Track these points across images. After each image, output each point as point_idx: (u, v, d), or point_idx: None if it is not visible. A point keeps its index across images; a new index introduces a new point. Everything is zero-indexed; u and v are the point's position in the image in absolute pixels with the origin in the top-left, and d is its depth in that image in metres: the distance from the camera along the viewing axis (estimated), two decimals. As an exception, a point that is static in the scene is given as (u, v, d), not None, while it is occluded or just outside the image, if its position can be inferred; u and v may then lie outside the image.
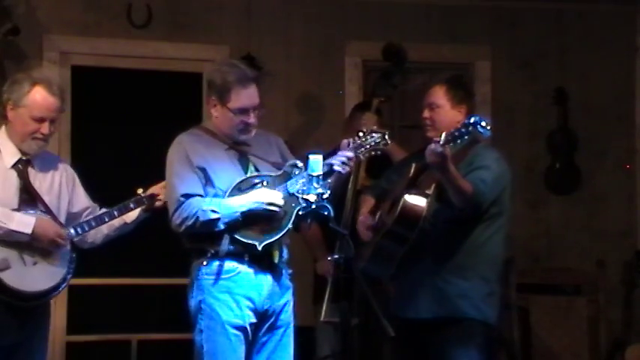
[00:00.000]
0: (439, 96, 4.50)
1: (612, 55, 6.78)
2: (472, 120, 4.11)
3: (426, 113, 4.51)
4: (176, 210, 4.15)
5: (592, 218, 6.73)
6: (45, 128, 4.18)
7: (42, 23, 6.02)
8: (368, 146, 4.30)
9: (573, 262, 6.69)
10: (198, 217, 4.12)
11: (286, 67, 6.26)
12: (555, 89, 6.66)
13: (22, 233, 4.09)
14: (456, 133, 4.12)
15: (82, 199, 4.40)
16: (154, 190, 4.42)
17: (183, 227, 4.15)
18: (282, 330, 4.29)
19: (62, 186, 4.33)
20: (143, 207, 4.41)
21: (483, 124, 4.09)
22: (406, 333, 4.40)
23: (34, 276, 4.14)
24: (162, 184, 4.35)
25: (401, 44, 5.70)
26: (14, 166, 4.19)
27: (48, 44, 6.03)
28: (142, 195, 4.39)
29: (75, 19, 6.12)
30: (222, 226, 4.13)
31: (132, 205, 4.38)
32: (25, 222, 4.11)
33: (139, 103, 6.29)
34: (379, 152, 4.38)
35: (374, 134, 4.31)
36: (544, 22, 6.75)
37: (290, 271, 4.36)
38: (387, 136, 4.32)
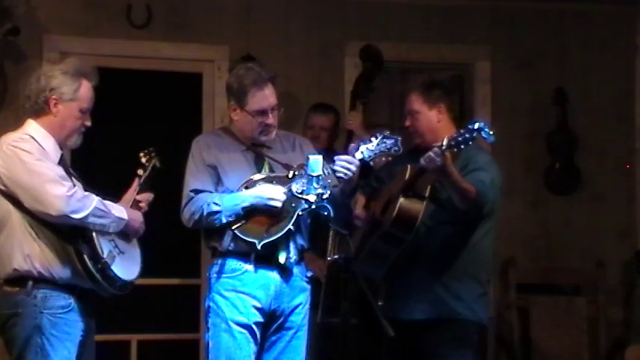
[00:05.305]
0: (414, 102, 4.54)
1: (612, 55, 6.77)
2: (477, 126, 4.07)
3: (408, 121, 4.55)
4: (186, 205, 4.28)
5: (592, 218, 6.72)
6: (89, 120, 4.05)
7: (42, 23, 6.02)
8: (378, 152, 4.31)
9: (573, 262, 6.68)
10: (203, 210, 4.20)
11: (286, 67, 6.25)
12: (555, 89, 6.65)
13: (122, 219, 4.00)
14: (460, 139, 4.07)
15: None
16: (139, 197, 4.24)
17: (191, 222, 4.27)
18: (292, 332, 4.31)
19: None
20: None
21: (487, 129, 4.07)
22: (401, 334, 4.40)
23: (127, 264, 4.04)
24: (147, 195, 4.24)
25: (378, 46, 5.72)
26: (59, 163, 3.99)
27: (48, 44, 6.02)
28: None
29: (75, 19, 6.12)
30: (224, 220, 4.19)
31: None
32: (119, 208, 4.02)
33: (139, 103, 6.29)
34: (390, 158, 4.40)
35: (386, 140, 4.31)
36: (544, 22, 6.74)
37: (309, 274, 4.37)
38: (399, 143, 4.32)
